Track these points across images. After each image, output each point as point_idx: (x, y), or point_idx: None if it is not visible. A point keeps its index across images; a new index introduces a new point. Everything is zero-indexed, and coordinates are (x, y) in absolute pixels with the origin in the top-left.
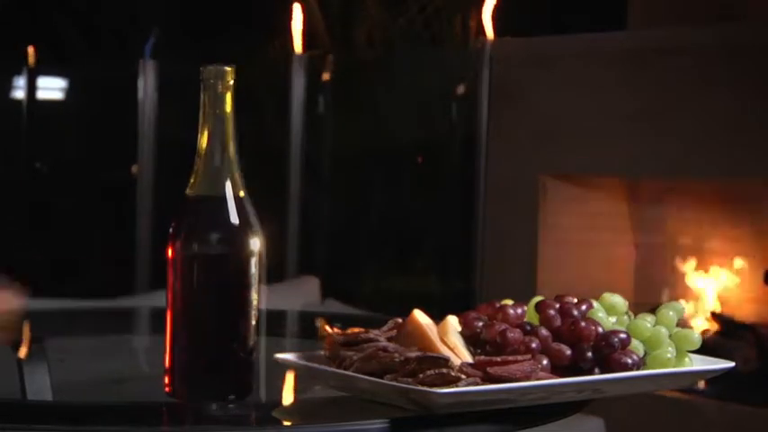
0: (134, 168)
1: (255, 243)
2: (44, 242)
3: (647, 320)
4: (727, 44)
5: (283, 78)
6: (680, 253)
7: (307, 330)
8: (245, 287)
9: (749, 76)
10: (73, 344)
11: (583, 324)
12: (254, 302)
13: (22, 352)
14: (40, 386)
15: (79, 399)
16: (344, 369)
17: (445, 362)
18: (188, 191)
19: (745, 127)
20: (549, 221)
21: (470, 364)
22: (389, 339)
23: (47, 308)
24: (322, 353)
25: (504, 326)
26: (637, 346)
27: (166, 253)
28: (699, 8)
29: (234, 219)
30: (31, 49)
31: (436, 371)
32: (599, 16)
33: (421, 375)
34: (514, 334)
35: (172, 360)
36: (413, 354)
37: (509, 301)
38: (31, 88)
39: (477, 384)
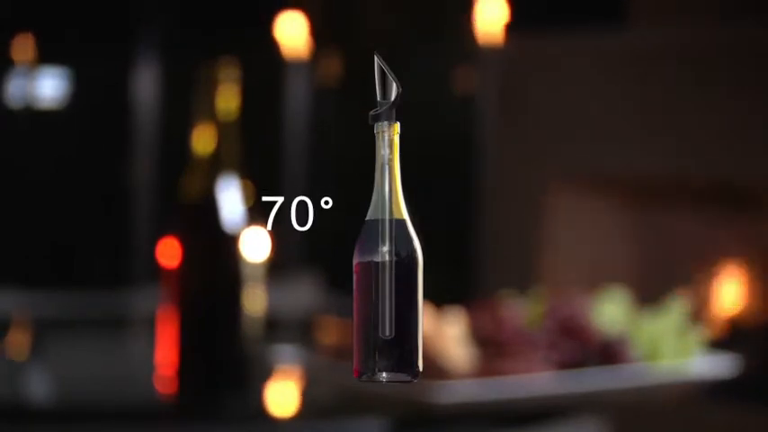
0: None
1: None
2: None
3: (649, 319)
4: (729, 44)
5: (283, 78)
6: (682, 253)
7: (309, 328)
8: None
9: (752, 75)
10: (73, 344)
11: (585, 322)
12: None
13: (23, 353)
14: (40, 386)
15: (79, 399)
16: (346, 366)
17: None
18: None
19: (748, 127)
20: (551, 220)
21: (470, 360)
22: None
23: (46, 307)
24: (324, 351)
25: (505, 322)
26: (639, 344)
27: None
28: (700, 8)
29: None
30: (29, 48)
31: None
32: (601, 16)
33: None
34: (515, 330)
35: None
36: None
37: (510, 298)
38: (29, 87)
39: (478, 380)
